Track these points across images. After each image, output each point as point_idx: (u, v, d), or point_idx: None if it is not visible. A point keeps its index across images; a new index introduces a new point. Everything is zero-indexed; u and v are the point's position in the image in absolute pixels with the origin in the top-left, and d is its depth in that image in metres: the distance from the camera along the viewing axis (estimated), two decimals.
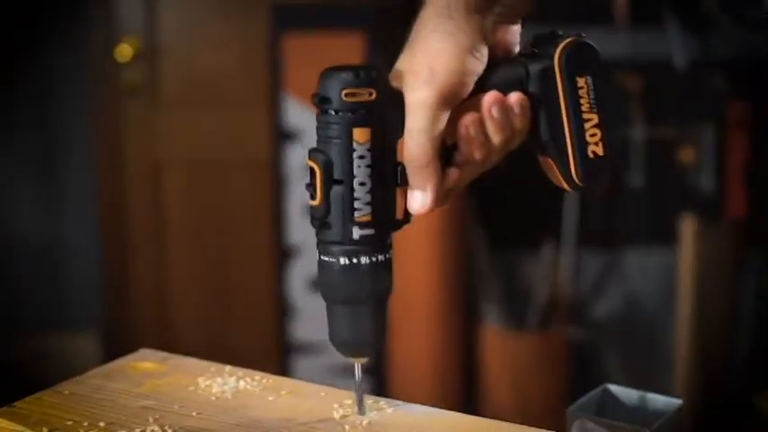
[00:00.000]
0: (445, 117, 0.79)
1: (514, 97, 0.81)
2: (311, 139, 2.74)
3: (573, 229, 2.74)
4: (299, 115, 2.71)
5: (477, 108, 0.81)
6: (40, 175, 3.08)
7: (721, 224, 2.67)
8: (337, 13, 2.70)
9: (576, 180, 0.83)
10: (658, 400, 0.95)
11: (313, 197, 0.80)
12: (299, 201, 2.73)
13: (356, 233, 0.80)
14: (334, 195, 0.79)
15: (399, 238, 2.30)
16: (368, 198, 0.79)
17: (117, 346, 2.98)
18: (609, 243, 2.82)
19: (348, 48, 2.64)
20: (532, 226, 2.81)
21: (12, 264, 3.12)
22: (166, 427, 0.85)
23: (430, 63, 0.79)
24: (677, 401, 0.94)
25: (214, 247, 2.98)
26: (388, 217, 0.82)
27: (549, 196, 2.78)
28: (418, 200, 0.81)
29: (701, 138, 2.68)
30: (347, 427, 0.86)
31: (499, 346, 2.69)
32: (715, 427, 2.58)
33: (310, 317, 2.73)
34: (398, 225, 0.83)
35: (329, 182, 0.79)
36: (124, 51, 2.91)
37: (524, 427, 0.87)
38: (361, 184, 0.79)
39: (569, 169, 0.83)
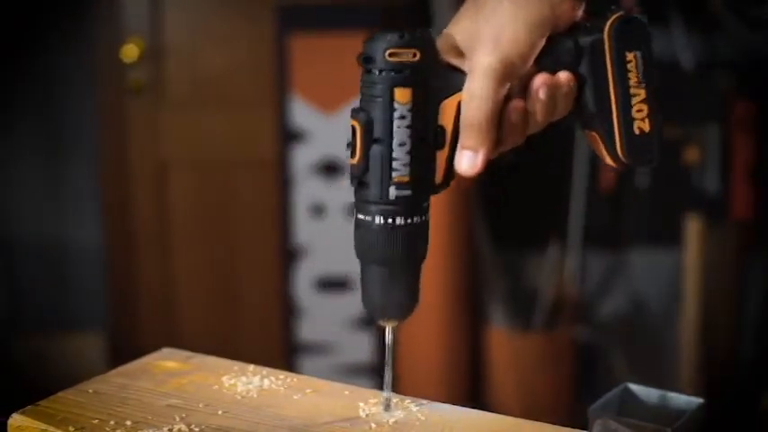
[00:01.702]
0: (506, 86, 0.79)
1: (563, 77, 0.81)
2: (317, 140, 2.74)
3: (578, 229, 2.75)
4: (305, 115, 2.71)
5: (525, 87, 0.81)
6: (44, 174, 3.08)
7: (726, 224, 2.68)
8: (343, 12, 2.70)
9: (622, 156, 0.82)
10: (679, 399, 0.95)
11: (352, 155, 0.80)
12: (305, 201, 2.73)
13: (393, 193, 0.80)
14: (372, 154, 0.79)
15: None
16: (406, 159, 0.79)
17: (121, 346, 2.98)
18: (614, 243, 2.82)
19: (354, 48, 2.64)
20: (538, 226, 2.82)
21: (15, 264, 3.11)
22: (193, 426, 0.85)
23: (496, 32, 0.79)
24: (698, 400, 0.94)
25: (220, 247, 2.98)
26: (426, 179, 0.81)
27: (554, 196, 2.78)
28: (468, 161, 0.80)
29: (707, 138, 2.68)
30: (373, 425, 0.86)
31: (505, 347, 2.69)
32: (720, 426, 2.58)
33: (316, 317, 2.73)
34: (437, 189, 0.83)
35: (369, 141, 0.79)
36: (129, 51, 2.91)
37: (550, 425, 0.88)
38: (401, 144, 0.79)
39: (615, 145, 0.82)
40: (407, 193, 0.80)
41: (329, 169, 2.71)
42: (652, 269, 2.82)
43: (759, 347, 2.73)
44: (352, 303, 2.73)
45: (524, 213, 2.82)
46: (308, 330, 2.74)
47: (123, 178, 2.97)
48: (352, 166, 0.81)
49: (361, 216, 0.81)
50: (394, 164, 0.79)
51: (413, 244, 0.81)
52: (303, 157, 2.71)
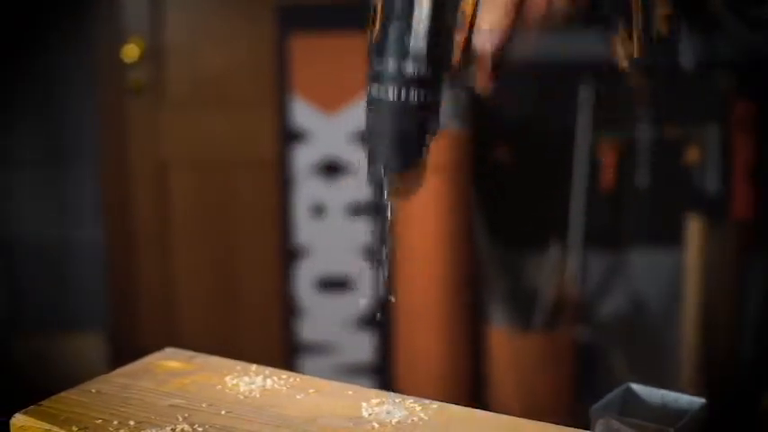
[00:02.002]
0: None
1: None
2: (318, 140, 2.73)
3: (579, 229, 2.75)
4: (306, 115, 2.71)
5: None
6: (44, 174, 3.08)
7: (727, 224, 2.67)
8: (344, 13, 2.69)
9: (639, 52, 0.83)
10: (681, 399, 0.95)
11: (372, 30, 0.82)
12: (305, 201, 2.72)
13: (409, 68, 0.80)
14: (391, 29, 0.81)
15: (406, 239, 2.30)
16: (424, 35, 0.80)
17: (121, 346, 2.98)
18: (614, 243, 2.82)
19: (355, 48, 2.64)
20: (538, 226, 2.81)
21: (15, 264, 3.11)
22: (196, 426, 0.85)
23: None
24: (700, 400, 0.94)
25: (220, 247, 2.98)
26: (443, 57, 0.82)
27: (554, 196, 2.78)
28: (486, 37, 0.82)
29: (707, 138, 2.68)
30: (376, 425, 0.86)
31: (505, 347, 2.69)
32: (720, 426, 2.58)
33: (317, 317, 2.73)
34: (454, 69, 0.84)
35: (388, 16, 0.81)
36: (130, 51, 2.91)
37: (554, 425, 0.88)
38: (419, 21, 0.80)
39: (632, 44, 0.84)
40: (423, 69, 0.81)
41: (330, 169, 2.71)
42: (652, 269, 2.81)
43: (759, 347, 2.73)
44: (352, 303, 2.73)
45: (524, 213, 2.81)
46: (308, 330, 2.74)
47: (123, 178, 2.97)
48: (371, 41, 0.82)
49: (375, 90, 0.82)
50: (412, 40, 0.80)
51: (425, 119, 0.82)
52: (303, 158, 2.71)
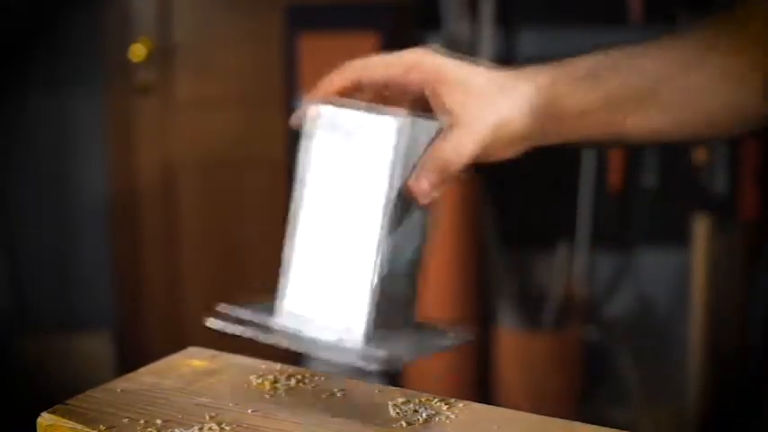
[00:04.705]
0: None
1: None
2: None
3: (587, 229, 2.75)
4: None
5: None
6: (50, 173, 3.08)
7: (734, 224, 2.68)
8: (352, 12, 2.70)
9: None
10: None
11: None
12: None
13: None
14: None
15: None
16: None
17: (129, 347, 2.98)
18: (622, 243, 2.82)
19: (363, 47, 2.64)
20: (546, 226, 2.82)
21: (20, 264, 3.11)
22: (224, 425, 0.85)
23: (505, 121, 0.84)
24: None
25: (227, 247, 2.98)
26: None
27: (562, 197, 2.78)
28: (424, 190, 0.83)
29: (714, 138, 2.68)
30: (404, 424, 0.86)
31: (513, 347, 2.69)
32: (727, 426, 2.58)
33: None
34: None
35: None
36: (137, 51, 2.91)
37: (580, 423, 0.88)
38: None
39: None
40: None
41: None
42: (660, 269, 2.82)
43: (766, 347, 2.73)
44: None
45: (532, 213, 2.82)
46: None
47: (130, 178, 2.97)
48: None
49: None
50: None
51: None
52: None
